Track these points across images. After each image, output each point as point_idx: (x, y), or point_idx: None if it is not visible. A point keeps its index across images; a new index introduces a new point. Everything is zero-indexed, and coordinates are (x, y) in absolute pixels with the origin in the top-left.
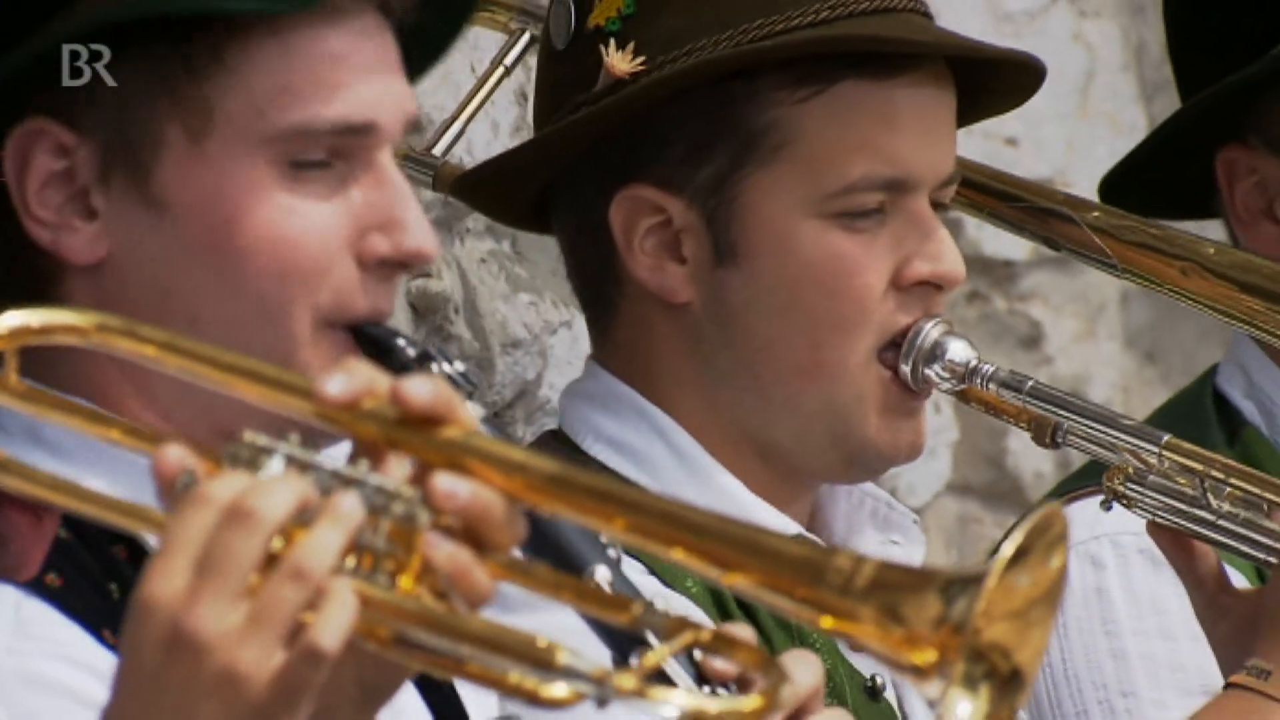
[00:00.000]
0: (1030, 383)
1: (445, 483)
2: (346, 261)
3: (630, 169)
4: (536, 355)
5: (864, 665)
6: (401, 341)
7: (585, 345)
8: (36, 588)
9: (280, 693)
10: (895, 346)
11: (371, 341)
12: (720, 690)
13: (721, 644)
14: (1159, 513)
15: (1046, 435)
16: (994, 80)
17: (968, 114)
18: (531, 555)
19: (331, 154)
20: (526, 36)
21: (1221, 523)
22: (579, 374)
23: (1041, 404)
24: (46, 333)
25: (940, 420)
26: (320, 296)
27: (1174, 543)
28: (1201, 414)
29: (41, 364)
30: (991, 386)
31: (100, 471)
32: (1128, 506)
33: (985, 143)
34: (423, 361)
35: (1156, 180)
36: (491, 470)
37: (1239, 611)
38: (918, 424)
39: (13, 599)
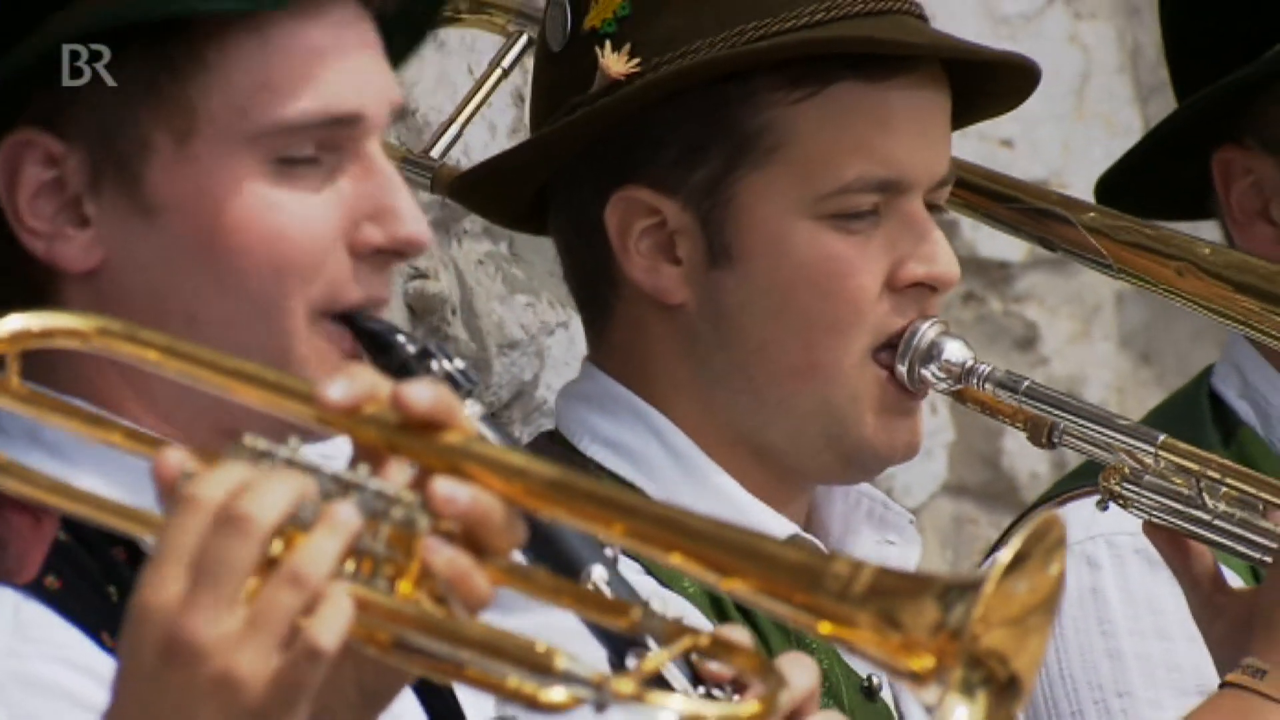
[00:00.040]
0: (1026, 383)
1: (445, 487)
2: (339, 253)
3: (625, 170)
4: (533, 356)
5: (860, 665)
6: (401, 338)
7: (582, 346)
8: (35, 590)
9: (278, 694)
10: (890, 348)
11: (370, 337)
12: (716, 692)
13: (719, 648)
14: (1155, 513)
15: (1043, 435)
16: (989, 83)
17: (963, 116)
18: (528, 555)
19: (319, 147)
20: (524, 39)
21: (1217, 522)
22: (576, 375)
23: (1037, 404)
24: (48, 336)
25: (936, 421)
26: (315, 289)
27: (1170, 543)
28: (1197, 414)
29: (41, 367)
30: (988, 387)
31: (99, 473)
32: (1124, 506)
33: (981, 144)
34: (422, 358)
35: (1152, 181)
36: (491, 475)
37: (1235, 611)
38: (914, 423)
39: (12, 601)
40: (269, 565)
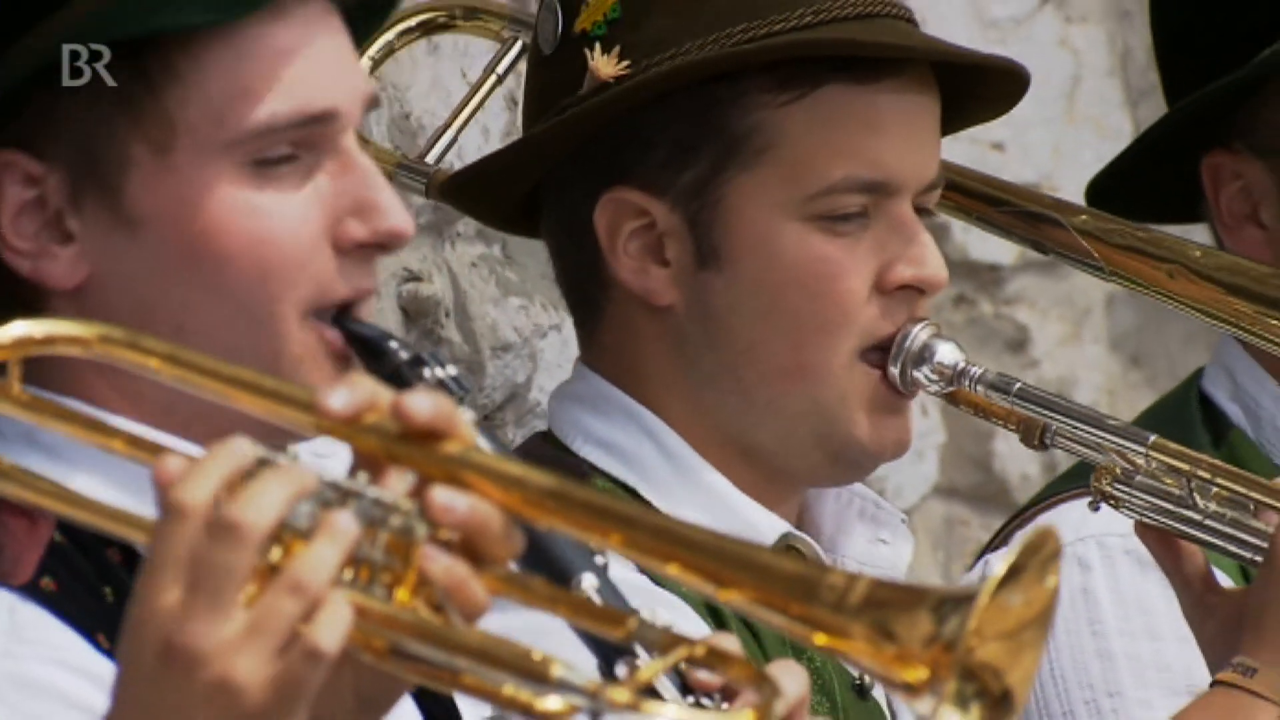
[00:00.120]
0: (1018, 384)
1: (443, 496)
2: (324, 250)
3: (614, 172)
4: (526, 358)
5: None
6: (394, 344)
7: (575, 348)
8: (31, 592)
9: (278, 698)
10: (879, 349)
11: (363, 344)
12: (705, 701)
13: (714, 658)
14: (1146, 513)
15: (1035, 437)
16: (979, 87)
17: (954, 121)
18: (520, 562)
19: (295, 146)
20: (518, 45)
21: (1208, 522)
22: (568, 377)
23: (1029, 405)
24: (50, 343)
25: (927, 423)
26: (302, 289)
27: (1161, 543)
28: (1187, 417)
29: (33, 374)
30: (979, 389)
31: (97, 475)
32: (1115, 507)
33: (972, 147)
34: (415, 365)
35: (1142, 185)
36: (489, 484)
37: (1225, 610)
38: (903, 421)
39: (7, 603)
40: (269, 573)
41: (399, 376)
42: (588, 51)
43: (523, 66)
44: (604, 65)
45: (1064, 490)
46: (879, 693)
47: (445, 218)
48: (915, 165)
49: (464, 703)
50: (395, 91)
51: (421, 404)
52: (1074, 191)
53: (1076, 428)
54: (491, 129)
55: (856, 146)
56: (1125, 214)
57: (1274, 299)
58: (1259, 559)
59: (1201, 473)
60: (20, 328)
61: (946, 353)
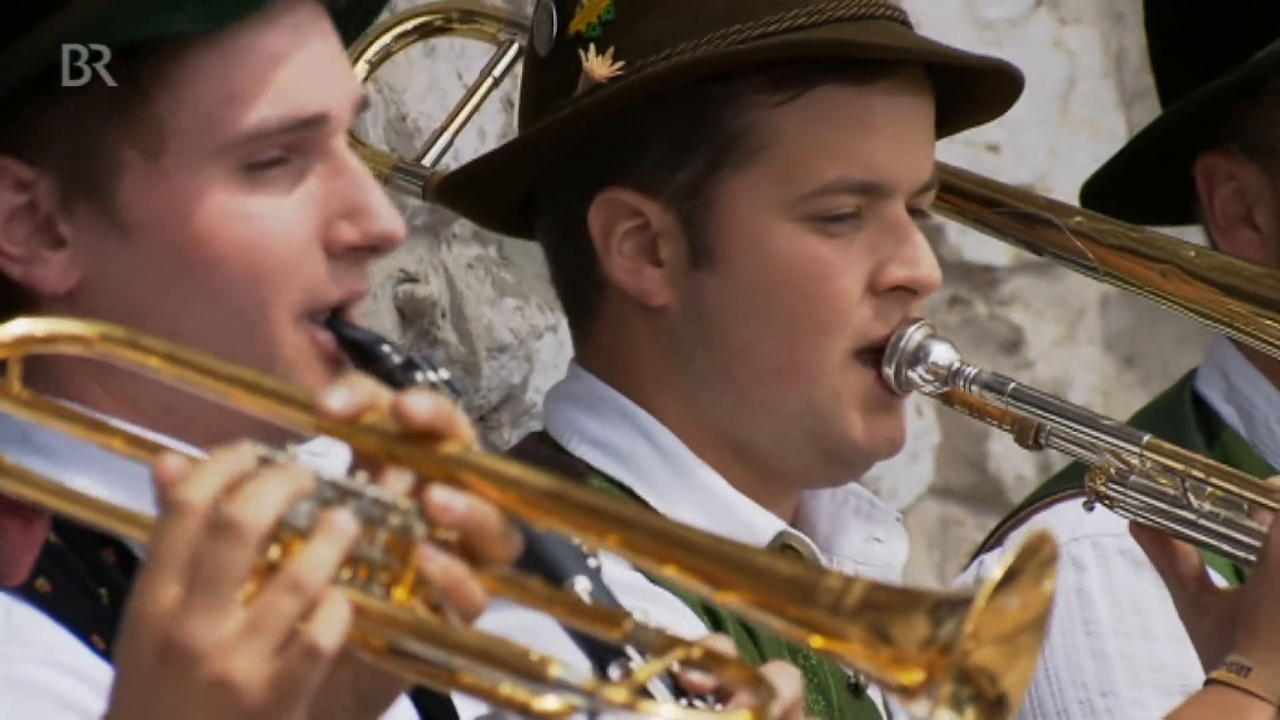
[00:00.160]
0: (1012, 384)
1: (441, 496)
2: (315, 254)
3: (609, 172)
4: (522, 360)
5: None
6: (387, 348)
7: (571, 349)
8: (26, 593)
9: (276, 696)
10: (873, 350)
11: (357, 348)
12: (697, 703)
13: (710, 659)
14: (1141, 513)
15: (1029, 437)
16: (973, 89)
17: (949, 124)
18: (513, 565)
19: (286, 149)
20: (515, 48)
21: (1202, 522)
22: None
23: (1023, 405)
24: (51, 342)
25: (922, 424)
26: (294, 293)
27: (1156, 542)
28: (1181, 417)
29: (29, 378)
30: (974, 389)
31: (93, 476)
32: (1110, 507)
33: (967, 149)
34: (407, 369)
35: (1137, 186)
36: (488, 485)
37: (1220, 610)
38: (897, 420)
39: (3, 605)
40: (268, 571)
41: (392, 380)
42: (582, 53)
43: (519, 69)
44: (598, 66)
45: (1059, 490)
46: (874, 692)
47: (442, 219)
48: (909, 166)
49: (460, 701)
50: (391, 94)
51: (421, 404)
52: (1069, 193)
53: (1071, 428)
54: (488, 131)
55: (850, 147)
56: (1120, 216)
57: (1267, 299)
58: (1253, 558)
59: (1196, 472)
60: (22, 326)
61: (941, 353)
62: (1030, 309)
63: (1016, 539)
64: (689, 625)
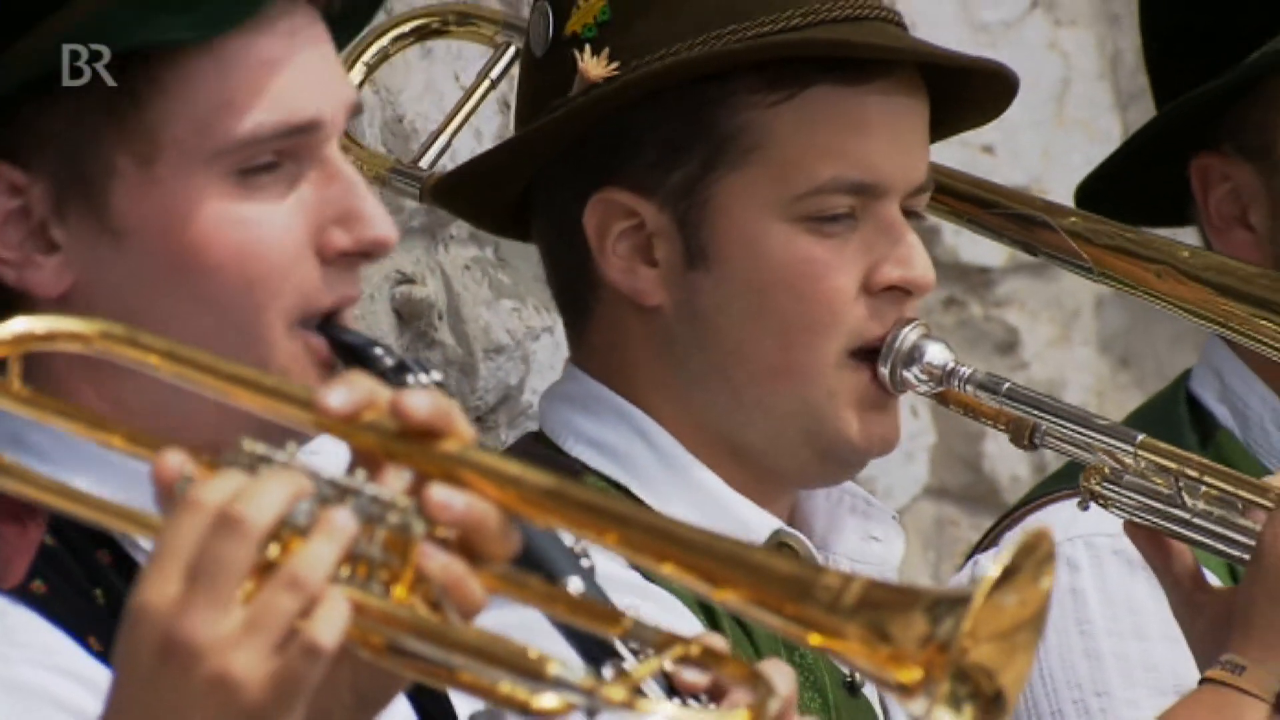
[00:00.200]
0: (1007, 384)
1: (440, 494)
2: (308, 260)
3: (604, 172)
4: (519, 361)
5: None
6: (379, 351)
7: (567, 350)
8: (22, 595)
9: (276, 694)
10: (868, 351)
11: (348, 350)
12: (691, 702)
13: (708, 656)
14: (1135, 512)
15: (1024, 437)
16: (967, 90)
17: (944, 126)
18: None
19: (279, 154)
20: (512, 50)
21: (1196, 521)
22: None
23: (1018, 405)
24: (51, 339)
25: (917, 424)
26: (287, 299)
27: (1150, 542)
28: (1175, 418)
29: (23, 377)
30: (969, 389)
31: (87, 476)
32: (1104, 506)
33: (962, 150)
34: (399, 372)
35: (1131, 188)
36: (487, 483)
37: (1214, 609)
38: (892, 418)
39: None
40: (267, 569)
41: (384, 382)
42: (578, 53)
43: (516, 71)
44: (593, 67)
45: (1053, 491)
46: (869, 690)
47: (438, 221)
48: (903, 167)
49: (457, 698)
50: (388, 95)
51: (420, 402)
52: (1064, 194)
53: (1065, 427)
54: (485, 133)
55: (844, 147)
56: (1115, 217)
57: (1262, 298)
58: (1247, 557)
59: (1189, 471)
60: (21, 324)
61: (936, 353)
62: (1025, 310)
63: (1013, 538)
64: (685, 623)
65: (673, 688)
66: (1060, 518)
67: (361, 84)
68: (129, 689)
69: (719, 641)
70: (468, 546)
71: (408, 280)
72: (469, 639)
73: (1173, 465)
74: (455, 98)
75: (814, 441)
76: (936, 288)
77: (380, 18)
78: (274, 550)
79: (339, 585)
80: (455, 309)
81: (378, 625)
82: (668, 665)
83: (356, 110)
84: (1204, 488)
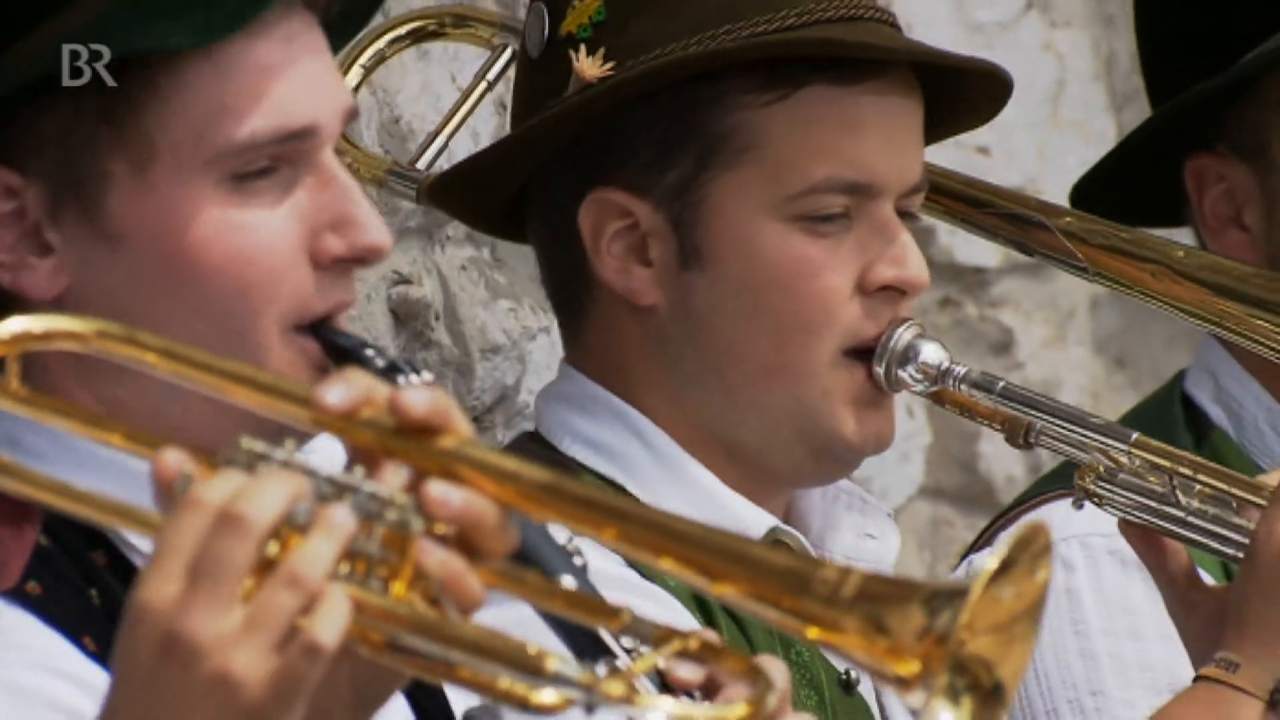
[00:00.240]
0: (1001, 383)
1: (438, 490)
2: (302, 265)
3: (599, 172)
4: (516, 361)
5: (839, 660)
6: (371, 352)
7: (563, 350)
8: (17, 596)
9: (276, 693)
10: (862, 350)
11: (341, 352)
12: (684, 699)
13: (707, 651)
14: (1129, 510)
15: (1019, 436)
16: (962, 91)
17: (940, 128)
18: None
19: (274, 159)
20: (508, 52)
21: (1191, 519)
22: None
23: (1013, 404)
24: (48, 339)
25: (913, 425)
26: (281, 305)
27: (1145, 540)
28: (1170, 418)
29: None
30: (964, 388)
31: (83, 477)
32: (1099, 505)
33: (957, 152)
34: (390, 373)
35: (1127, 188)
36: (484, 479)
37: (1208, 607)
38: (886, 415)
39: None
40: (266, 567)
41: None
42: (573, 54)
43: (513, 73)
44: (588, 67)
45: (1048, 491)
46: (865, 689)
47: (435, 221)
48: (897, 167)
49: (454, 697)
50: (385, 96)
51: (418, 398)
52: (1059, 195)
53: (1060, 426)
54: (482, 135)
55: (838, 147)
56: (1110, 218)
57: (1257, 298)
58: (1241, 555)
59: (1183, 469)
60: (19, 323)
61: (931, 352)
62: (1020, 310)
63: (1009, 532)
64: (682, 621)
65: (666, 685)
66: (1055, 518)
67: (358, 86)
68: (129, 687)
69: (716, 637)
70: (466, 542)
71: (404, 281)
72: (468, 635)
73: (1167, 464)
74: (452, 99)
75: (809, 440)
76: (932, 288)
77: (377, 20)
78: (273, 548)
79: (339, 584)
80: (452, 309)
81: (377, 622)
82: (661, 663)
83: (353, 115)
84: (1198, 486)
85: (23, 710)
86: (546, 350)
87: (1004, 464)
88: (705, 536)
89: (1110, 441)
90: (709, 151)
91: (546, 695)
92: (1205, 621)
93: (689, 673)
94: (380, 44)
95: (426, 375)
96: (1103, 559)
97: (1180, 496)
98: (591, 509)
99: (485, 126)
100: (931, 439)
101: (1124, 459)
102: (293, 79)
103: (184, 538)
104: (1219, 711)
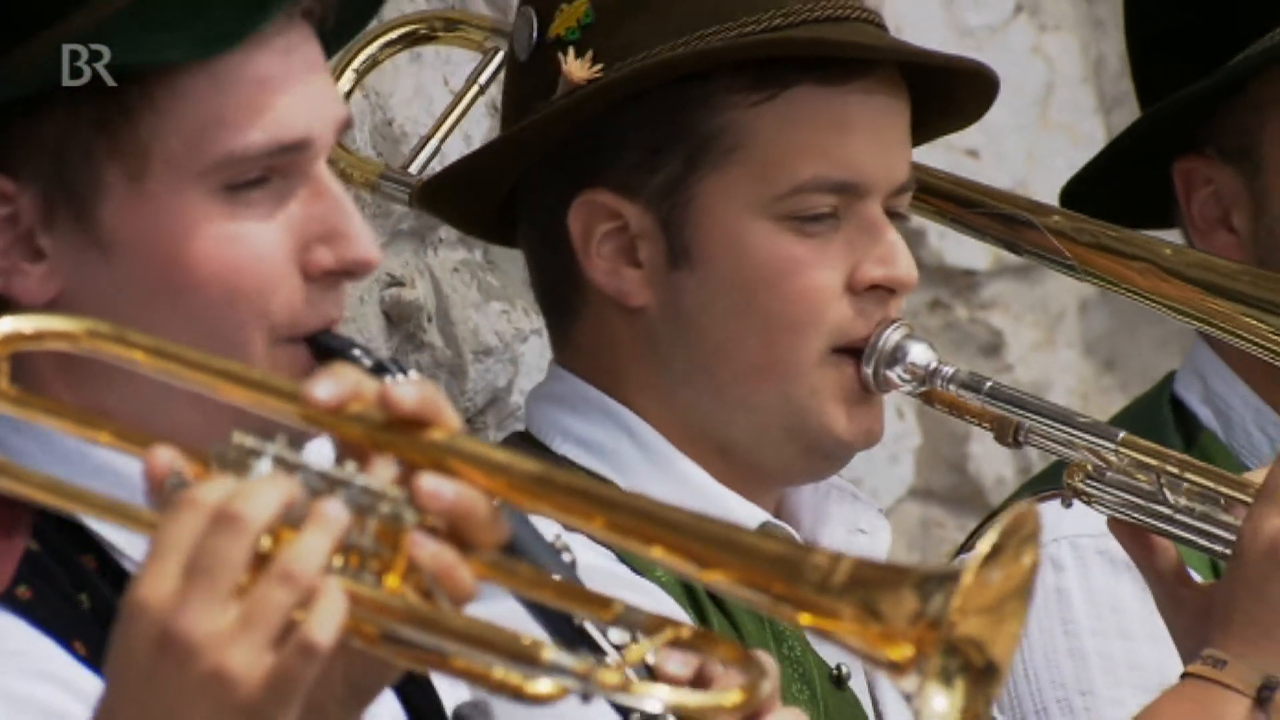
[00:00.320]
0: (989, 383)
1: (430, 483)
2: (292, 277)
3: (588, 174)
4: (508, 363)
5: (829, 654)
6: (357, 352)
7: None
8: (7, 601)
9: (272, 691)
10: (851, 350)
11: (328, 353)
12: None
13: (700, 640)
14: (1118, 509)
15: (1008, 435)
16: (949, 91)
17: (927, 128)
18: None
19: (268, 171)
20: (500, 55)
21: (1179, 517)
22: None
23: (1001, 404)
24: (39, 338)
25: (903, 426)
26: (271, 316)
27: (1133, 538)
28: (1159, 419)
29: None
30: (952, 388)
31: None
32: (1088, 503)
33: (947, 154)
34: (377, 373)
35: (1115, 190)
36: (475, 471)
37: (1197, 604)
38: (875, 411)
39: None
40: (260, 562)
41: None
42: (562, 56)
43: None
44: (577, 69)
45: (1037, 492)
46: (856, 683)
47: (427, 224)
48: (885, 166)
49: (444, 692)
50: (378, 100)
51: (407, 392)
52: (1048, 197)
53: (1048, 425)
54: (474, 138)
55: (826, 147)
56: (1099, 219)
57: (1245, 295)
58: (1229, 552)
59: (1170, 468)
60: (9, 323)
61: (919, 353)
62: (1010, 312)
63: (1000, 518)
64: (673, 614)
65: (655, 679)
66: (1045, 519)
67: (351, 90)
68: (124, 685)
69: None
70: (457, 535)
71: (397, 283)
72: (462, 626)
73: (1154, 462)
74: (444, 103)
75: (798, 438)
76: (921, 290)
77: (369, 24)
78: (266, 542)
79: (335, 579)
80: (444, 311)
81: (371, 615)
82: (651, 657)
83: (347, 126)
84: (1186, 484)
85: (12, 715)
86: (538, 352)
87: (994, 465)
88: (695, 524)
89: (1098, 440)
90: (697, 152)
91: (542, 685)
92: (1193, 618)
93: (678, 668)
94: (373, 48)
95: (414, 375)
96: (1092, 559)
97: (1168, 494)
98: (581, 499)
99: (478, 130)
100: (921, 440)
101: (1112, 457)
102: (289, 92)
103: (180, 536)
104: (1206, 708)
